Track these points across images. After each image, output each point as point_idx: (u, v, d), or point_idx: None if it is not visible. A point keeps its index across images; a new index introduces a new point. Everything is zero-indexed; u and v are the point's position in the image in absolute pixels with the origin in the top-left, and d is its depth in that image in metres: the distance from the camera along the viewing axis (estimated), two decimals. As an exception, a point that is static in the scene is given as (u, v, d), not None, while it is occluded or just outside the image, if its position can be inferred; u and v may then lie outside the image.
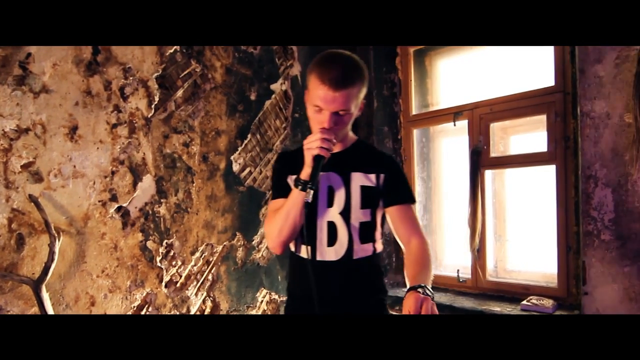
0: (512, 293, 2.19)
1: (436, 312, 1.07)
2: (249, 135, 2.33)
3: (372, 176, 1.36)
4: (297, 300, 1.44)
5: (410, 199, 1.40)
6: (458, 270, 2.39)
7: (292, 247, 1.44)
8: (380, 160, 1.40)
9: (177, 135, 2.07)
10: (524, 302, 2.01)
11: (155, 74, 2.00)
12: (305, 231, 1.29)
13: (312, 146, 1.22)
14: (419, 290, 1.11)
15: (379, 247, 1.43)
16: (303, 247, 1.37)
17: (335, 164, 1.33)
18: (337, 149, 1.36)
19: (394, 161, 1.45)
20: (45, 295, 1.59)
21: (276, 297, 2.39)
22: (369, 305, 1.39)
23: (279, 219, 1.31)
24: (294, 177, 1.31)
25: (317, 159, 1.22)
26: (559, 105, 2.03)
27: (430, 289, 1.14)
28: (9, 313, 1.60)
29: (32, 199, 1.62)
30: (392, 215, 1.39)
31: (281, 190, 1.39)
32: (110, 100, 1.88)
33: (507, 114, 2.23)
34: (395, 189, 1.38)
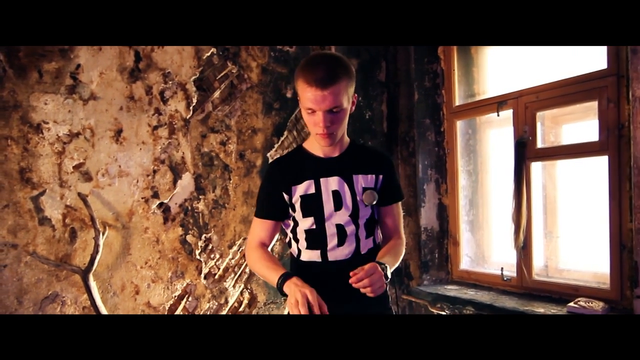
0: (560, 294, 2.04)
1: (382, 289, 1.21)
2: (285, 132, 2.38)
3: (372, 177, 1.42)
4: None
5: (400, 197, 1.50)
6: (502, 268, 2.27)
7: (295, 253, 1.47)
8: (377, 161, 1.45)
9: (215, 135, 2.17)
10: (571, 304, 1.86)
11: (193, 77, 2.12)
12: (314, 237, 1.39)
13: (294, 311, 1.18)
14: (382, 266, 1.26)
15: (378, 237, 1.52)
16: (311, 252, 1.41)
17: (338, 168, 1.40)
18: (335, 153, 1.42)
19: (388, 161, 1.49)
20: (93, 284, 1.76)
21: (314, 290, 2.43)
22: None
23: (259, 272, 1.38)
24: (287, 197, 1.38)
25: None
26: (612, 89, 1.85)
27: (390, 272, 1.28)
28: (64, 299, 1.79)
29: (81, 196, 1.80)
30: (381, 212, 1.50)
31: (270, 208, 1.42)
32: (152, 104, 2.02)
33: (555, 102, 2.07)
34: (390, 191, 1.46)
